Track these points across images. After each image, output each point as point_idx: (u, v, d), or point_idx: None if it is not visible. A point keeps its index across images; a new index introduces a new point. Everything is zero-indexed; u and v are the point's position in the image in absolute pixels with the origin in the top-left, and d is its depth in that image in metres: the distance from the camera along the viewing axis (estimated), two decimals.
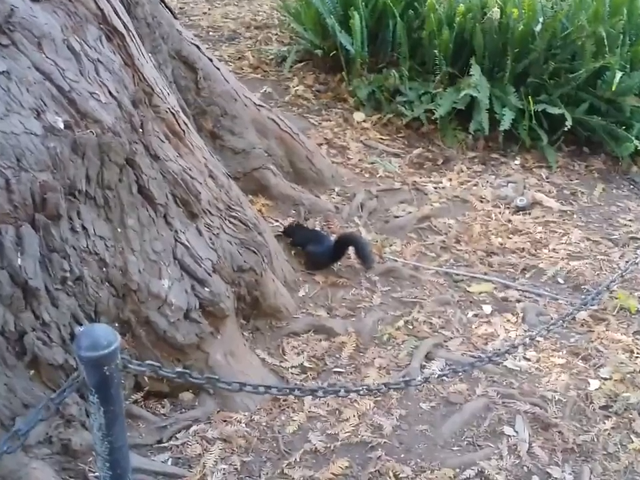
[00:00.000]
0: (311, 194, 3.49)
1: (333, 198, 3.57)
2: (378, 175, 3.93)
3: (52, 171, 1.99)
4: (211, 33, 6.42)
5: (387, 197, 3.69)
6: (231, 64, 5.54)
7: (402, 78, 4.64)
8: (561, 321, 2.08)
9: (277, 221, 3.25)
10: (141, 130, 2.33)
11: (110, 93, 2.25)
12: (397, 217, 3.50)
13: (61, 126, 2.05)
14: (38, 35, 2.12)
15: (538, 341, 2.64)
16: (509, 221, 3.54)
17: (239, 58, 5.71)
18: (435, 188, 3.84)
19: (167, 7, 3.21)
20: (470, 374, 2.43)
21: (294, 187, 3.43)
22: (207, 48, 5.95)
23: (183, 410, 2.29)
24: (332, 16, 4.93)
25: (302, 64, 5.45)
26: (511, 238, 3.41)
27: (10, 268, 1.87)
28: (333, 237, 3.13)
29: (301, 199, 3.38)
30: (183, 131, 2.66)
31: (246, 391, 1.45)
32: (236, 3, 7.58)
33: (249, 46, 6.00)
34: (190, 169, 2.53)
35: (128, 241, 2.20)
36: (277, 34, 6.28)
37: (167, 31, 3.12)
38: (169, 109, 2.60)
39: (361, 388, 1.61)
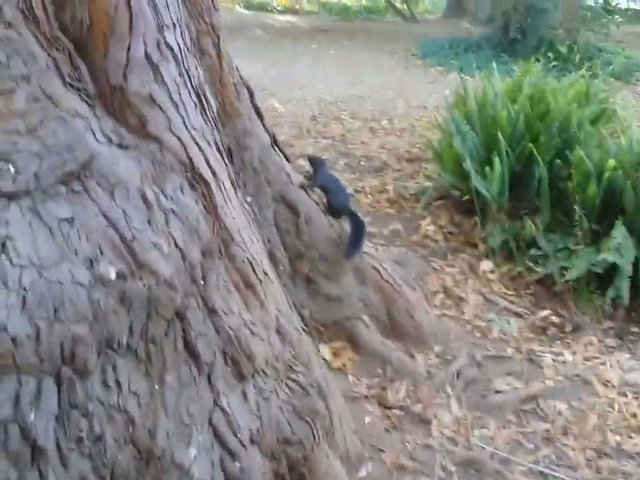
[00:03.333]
0: (404, 352, 3.23)
1: (430, 359, 3.27)
2: (491, 336, 3.58)
3: (90, 323, 1.96)
4: (362, 163, 6.51)
5: (493, 365, 3.31)
6: (370, 196, 5.54)
7: (539, 229, 4.32)
8: None
9: (359, 380, 3.02)
10: (202, 282, 2.27)
11: (175, 243, 2.23)
12: (499, 391, 3.11)
13: (112, 276, 2.04)
14: (113, 182, 2.17)
15: None
16: (634, 415, 3.01)
17: (380, 191, 5.69)
18: (554, 361, 3.40)
19: (280, 150, 3.24)
20: None
21: (385, 342, 3.20)
22: (353, 178, 6.06)
23: None
24: (471, 158, 4.77)
25: (440, 202, 5.30)
26: (632, 437, 2.87)
27: (22, 422, 1.82)
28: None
29: (390, 357, 3.13)
30: (260, 280, 2.57)
31: None
32: (398, 134, 7.69)
33: (394, 179, 5.98)
34: (253, 324, 2.42)
35: (163, 399, 2.09)
36: (426, 168, 6.22)
37: (273, 175, 3.13)
38: (247, 258, 2.55)
39: None
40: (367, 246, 4.53)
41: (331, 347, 3.15)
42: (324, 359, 3.08)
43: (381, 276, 3.34)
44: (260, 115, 3.16)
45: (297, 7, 21.20)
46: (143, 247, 2.14)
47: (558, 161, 4.50)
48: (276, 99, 9.58)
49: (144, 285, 2.08)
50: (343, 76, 11.58)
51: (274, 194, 3.13)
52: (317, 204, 3.29)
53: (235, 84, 2.97)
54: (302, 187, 3.23)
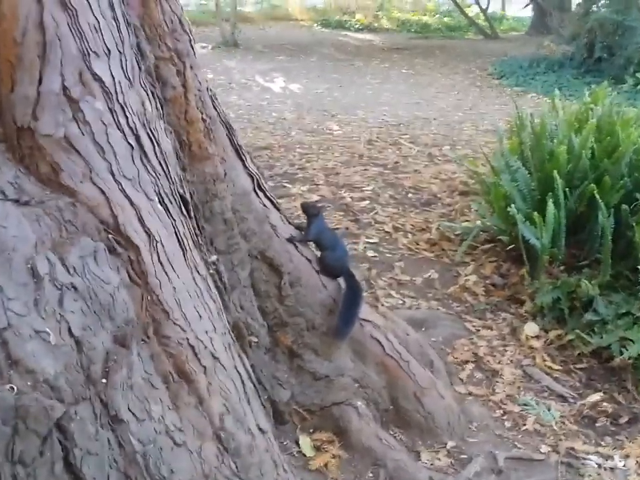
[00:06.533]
0: (407, 449, 2.62)
1: (438, 459, 2.64)
2: (523, 427, 2.91)
3: None
4: (409, 195, 5.89)
5: (520, 470, 2.64)
6: (409, 236, 4.93)
7: (596, 288, 3.60)
8: None
9: None
10: (104, 380, 1.78)
11: (70, 330, 1.75)
12: None
13: None
14: None
15: None
16: None
17: (422, 229, 5.06)
18: (599, 467, 2.69)
19: (267, 197, 2.72)
20: None
21: (382, 436, 2.60)
22: (395, 213, 5.45)
23: None
24: (521, 200, 4.11)
25: (488, 246, 4.63)
26: None
27: None
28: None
29: (386, 457, 2.53)
30: (204, 368, 2.07)
31: None
32: (458, 162, 7.00)
33: (441, 215, 5.34)
34: (180, 430, 1.91)
35: None
36: (480, 204, 5.53)
37: (251, 227, 2.62)
38: (187, 339, 2.05)
39: None
40: (391, 298, 3.98)
41: (313, 439, 2.59)
42: (303, 455, 2.54)
43: (384, 349, 2.75)
44: (241, 156, 2.66)
45: (376, 24, 20.73)
46: (20, 338, 1.67)
47: (625, 206, 3.77)
48: (335, 121, 9.11)
49: (12, 389, 1.61)
50: (410, 97, 10.99)
51: (251, 250, 2.62)
52: (309, 261, 2.75)
53: (204, 120, 2.49)
54: (290, 240, 2.71)
